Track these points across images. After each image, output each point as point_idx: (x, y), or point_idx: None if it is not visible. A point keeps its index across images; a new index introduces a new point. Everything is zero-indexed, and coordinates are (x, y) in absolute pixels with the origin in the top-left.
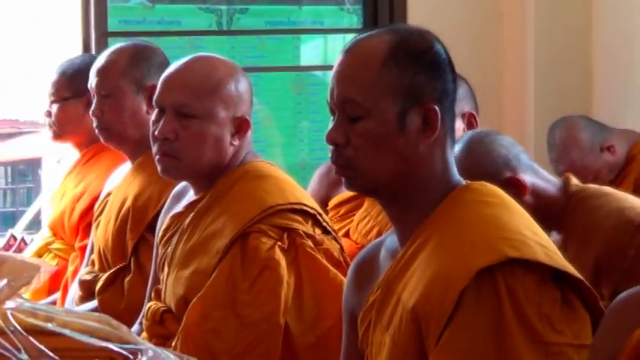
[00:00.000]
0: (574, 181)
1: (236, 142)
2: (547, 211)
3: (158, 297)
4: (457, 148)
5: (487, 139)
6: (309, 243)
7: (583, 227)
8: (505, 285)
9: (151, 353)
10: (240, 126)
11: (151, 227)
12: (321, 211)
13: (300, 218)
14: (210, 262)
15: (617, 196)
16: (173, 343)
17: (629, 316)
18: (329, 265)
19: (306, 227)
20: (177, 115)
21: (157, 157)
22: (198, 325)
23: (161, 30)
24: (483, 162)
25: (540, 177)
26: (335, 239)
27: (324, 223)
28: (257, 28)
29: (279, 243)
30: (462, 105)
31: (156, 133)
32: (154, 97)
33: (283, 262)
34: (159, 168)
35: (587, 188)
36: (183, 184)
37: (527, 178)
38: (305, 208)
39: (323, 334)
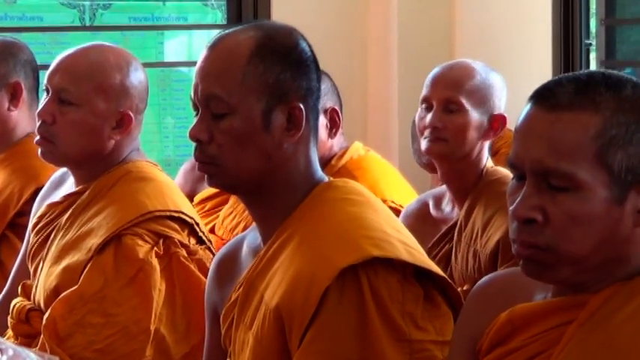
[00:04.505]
0: (490, 161)
1: (117, 137)
2: (468, 173)
3: (25, 294)
4: (453, 64)
5: (497, 73)
6: (183, 252)
7: (490, 210)
8: (368, 284)
9: (10, 352)
10: (123, 121)
11: (13, 225)
12: (198, 221)
13: (177, 226)
14: (80, 259)
15: None
16: (40, 340)
17: (489, 301)
18: (201, 276)
19: (182, 236)
20: (58, 99)
21: (36, 138)
22: (62, 317)
23: (23, 25)
24: (487, 86)
25: None
26: (209, 249)
27: (200, 233)
28: (120, 23)
29: (155, 248)
30: (325, 101)
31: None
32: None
33: (158, 267)
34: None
35: (499, 171)
36: (62, 170)
37: None
38: (183, 216)
39: (197, 343)
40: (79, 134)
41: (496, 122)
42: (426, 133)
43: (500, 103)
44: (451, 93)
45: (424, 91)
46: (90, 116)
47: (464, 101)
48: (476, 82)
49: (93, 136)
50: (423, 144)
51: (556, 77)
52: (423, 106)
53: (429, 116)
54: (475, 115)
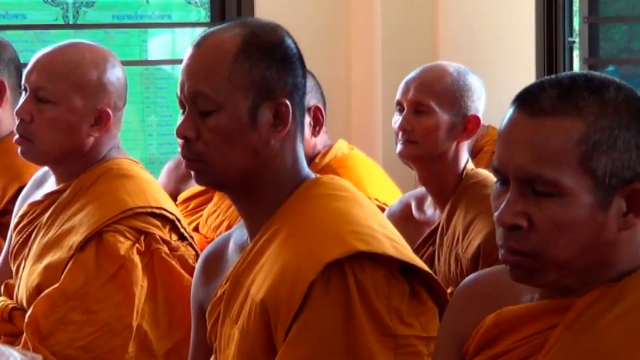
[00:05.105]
0: (471, 163)
1: (95, 134)
2: (446, 175)
3: (7, 293)
4: (432, 66)
5: (475, 75)
6: (165, 249)
7: (471, 214)
8: (354, 278)
9: None
10: (101, 118)
11: None
12: (180, 217)
13: (158, 223)
14: (62, 257)
15: None
16: (23, 338)
17: (475, 301)
18: (183, 272)
19: (163, 232)
20: (35, 97)
21: (15, 137)
22: (44, 315)
23: (6, 24)
24: (459, 88)
25: None
26: (191, 245)
27: (182, 229)
28: (104, 21)
29: (136, 245)
30: (308, 99)
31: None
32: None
33: (139, 264)
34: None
35: (479, 174)
36: (44, 169)
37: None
38: (164, 212)
39: (179, 339)
40: (57, 132)
41: (470, 123)
42: (399, 135)
43: (475, 104)
44: (420, 96)
45: (397, 95)
46: (67, 114)
47: (432, 103)
48: (446, 84)
49: (71, 133)
50: (397, 147)
51: (539, 80)
52: (397, 109)
53: (400, 119)
54: (445, 117)
